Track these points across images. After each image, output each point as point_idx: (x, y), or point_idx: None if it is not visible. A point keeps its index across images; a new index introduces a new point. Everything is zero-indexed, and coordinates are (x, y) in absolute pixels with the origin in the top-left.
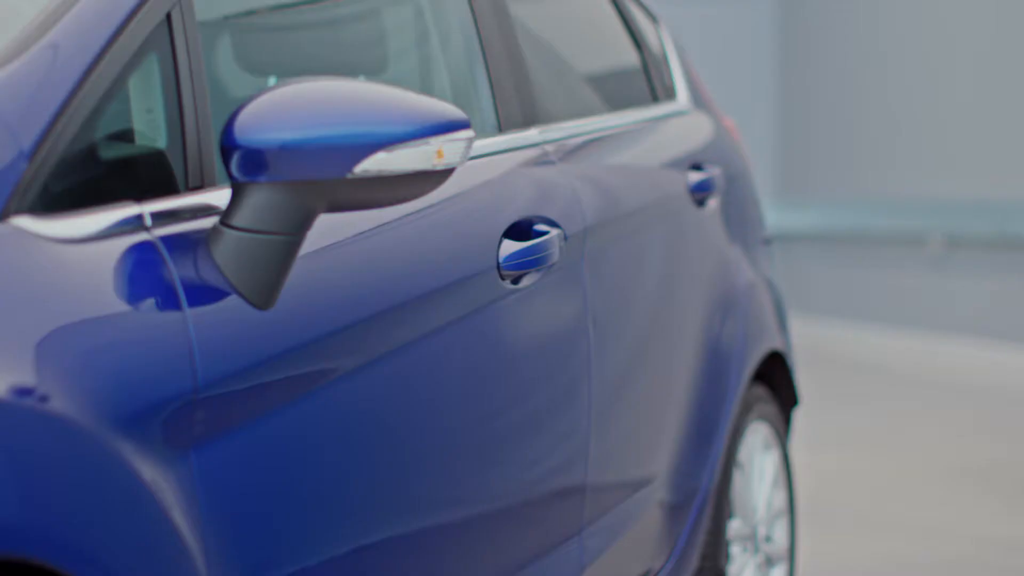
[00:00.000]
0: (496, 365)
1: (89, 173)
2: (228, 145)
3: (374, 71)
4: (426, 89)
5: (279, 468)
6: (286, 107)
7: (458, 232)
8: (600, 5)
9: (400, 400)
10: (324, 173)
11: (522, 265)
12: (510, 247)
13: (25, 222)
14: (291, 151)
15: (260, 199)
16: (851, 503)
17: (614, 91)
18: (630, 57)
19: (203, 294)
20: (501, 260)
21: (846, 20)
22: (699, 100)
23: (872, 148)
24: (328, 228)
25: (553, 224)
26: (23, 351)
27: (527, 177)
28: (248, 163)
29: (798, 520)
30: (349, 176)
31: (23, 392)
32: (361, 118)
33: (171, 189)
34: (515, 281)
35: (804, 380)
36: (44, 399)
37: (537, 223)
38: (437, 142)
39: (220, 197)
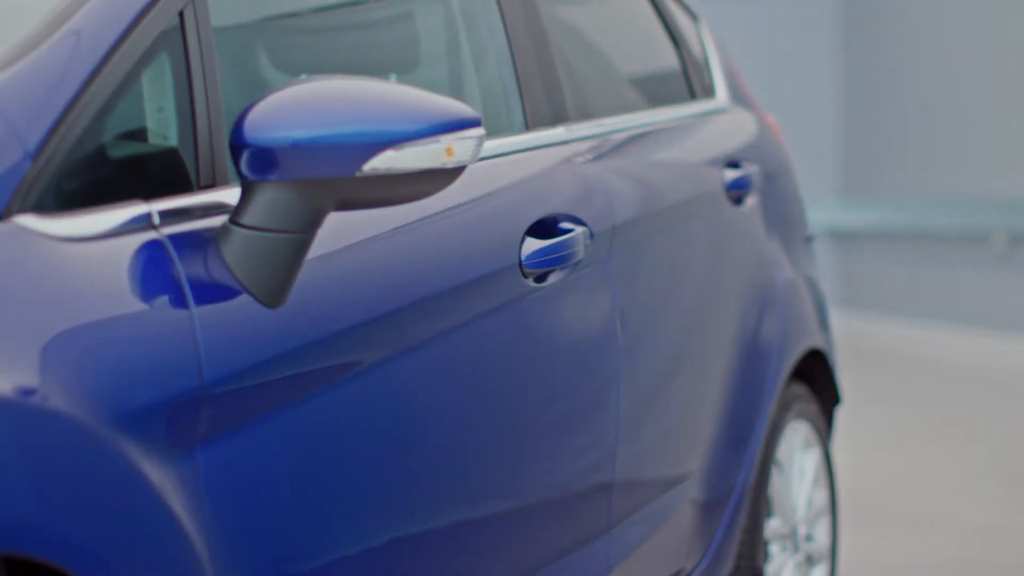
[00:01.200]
0: (518, 362)
1: (98, 172)
2: (237, 143)
3: (402, 70)
4: (454, 87)
5: (288, 467)
6: (295, 106)
7: (478, 230)
8: (637, 3)
9: (414, 397)
10: (333, 171)
11: (545, 263)
12: (533, 245)
13: (29, 221)
14: (300, 149)
15: (269, 197)
16: (903, 502)
17: (650, 89)
18: (667, 55)
19: (211, 292)
20: (523, 258)
21: (911, 15)
22: (739, 98)
23: (936, 145)
24: (341, 226)
25: (579, 222)
26: (25, 349)
27: (553, 175)
28: (257, 161)
29: (843, 519)
30: (358, 174)
31: (26, 390)
32: (370, 116)
33: (181, 188)
34: (539, 279)
35: (863, 378)
36: (47, 397)
37: (562, 221)
38: (447, 140)
39: (228, 195)
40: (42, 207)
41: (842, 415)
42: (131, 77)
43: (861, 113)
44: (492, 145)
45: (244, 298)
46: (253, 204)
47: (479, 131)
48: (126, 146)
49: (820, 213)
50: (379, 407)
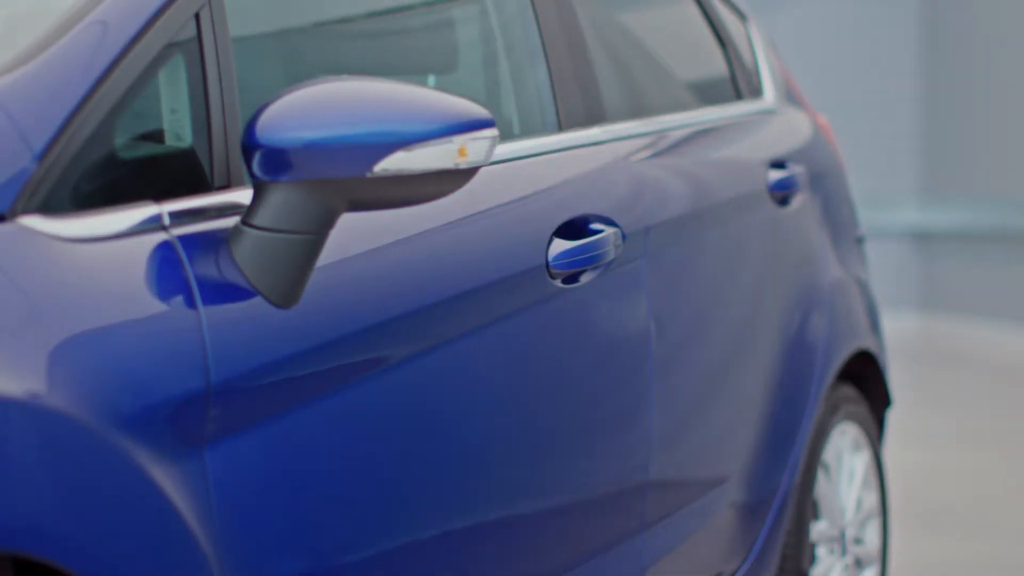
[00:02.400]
0: (546, 362)
1: (109, 173)
2: (249, 144)
3: (436, 71)
4: (489, 88)
5: (299, 468)
6: (307, 107)
7: (503, 231)
8: (683, 3)
9: (432, 397)
10: (344, 172)
11: (573, 264)
12: (560, 246)
13: (34, 221)
14: (311, 150)
15: (281, 198)
16: (968, 505)
17: (694, 89)
18: (713, 55)
19: (220, 293)
20: (551, 259)
21: (993, 15)
22: (789, 98)
23: (1016, 146)
24: (356, 226)
25: (610, 223)
26: (29, 348)
27: (585, 176)
28: (269, 162)
29: (896, 521)
30: (369, 175)
31: (32, 390)
32: (382, 117)
33: (193, 189)
34: (568, 280)
35: (940, 379)
36: (53, 397)
37: (593, 222)
38: (459, 141)
39: (239, 196)
40: (50, 208)
41: (915, 417)
42: (143, 79)
43: (942, 114)
44: (523, 146)
45: (254, 299)
46: (265, 205)
47: (492, 132)
48: (137, 147)
49: (900, 214)
50: (394, 408)
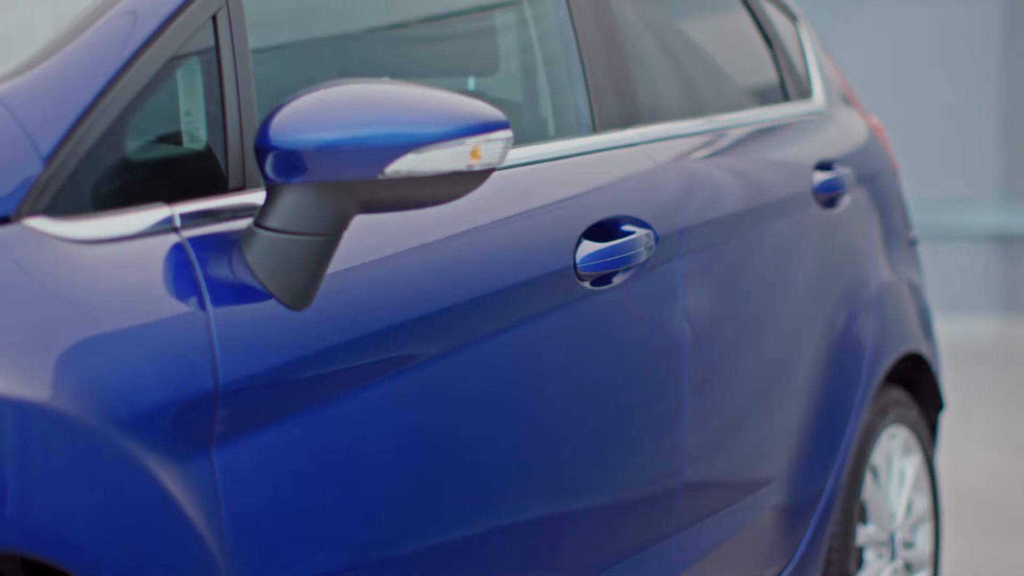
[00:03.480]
0: (573, 363)
1: (121, 175)
2: (262, 146)
3: (473, 73)
4: (527, 90)
5: (310, 471)
6: (320, 109)
7: (530, 233)
8: (729, 4)
9: (450, 399)
10: (356, 174)
11: (602, 266)
12: (589, 248)
13: (40, 223)
14: (323, 152)
15: (293, 200)
16: None
17: (739, 90)
18: (760, 55)
19: (230, 294)
20: (578, 260)
21: None
22: (840, 99)
23: None
24: (369, 228)
25: (643, 225)
26: (34, 349)
27: (617, 177)
28: (281, 164)
29: (948, 525)
30: (380, 177)
31: (38, 392)
32: (394, 119)
33: (205, 191)
34: (597, 282)
35: (1017, 381)
36: (59, 399)
37: (625, 223)
38: (472, 143)
39: (250, 198)
40: (58, 210)
41: (988, 421)
42: (157, 82)
43: (1023, 117)
44: (556, 148)
45: (263, 301)
46: (277, 207)
47: (506, 133)
48: (150, 149)
49: (981, 217)
50: (411, 411)
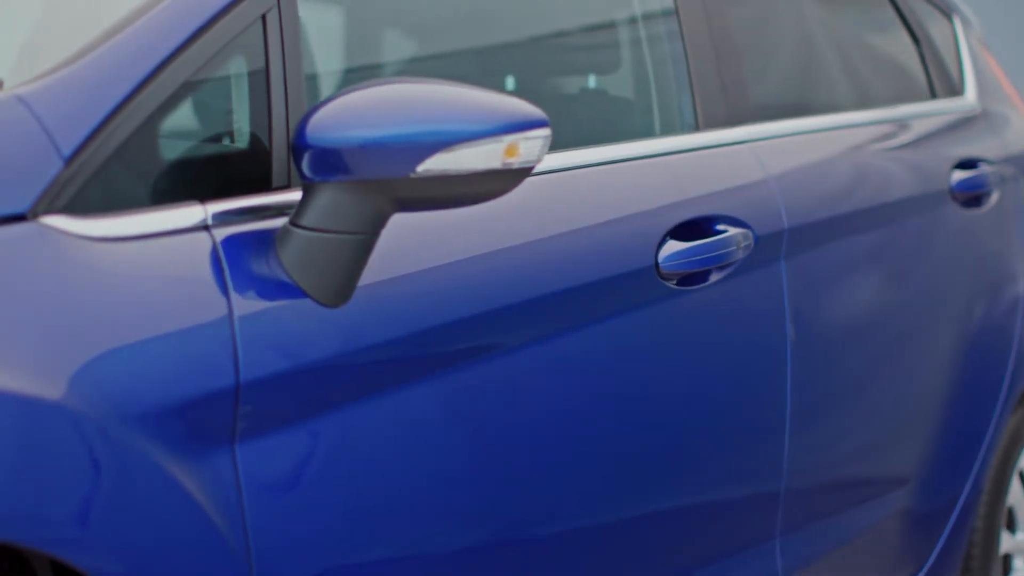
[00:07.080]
0: (656, 363)
1: (157, 173)
2: (299, 145)
3: (583, 70)
4: (639, 88)
5: (337, 471)
6: (356, 108)
7: (608, 232)
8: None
9: (510, 399)
10: (389, 172)
11: (688, 265)
12: (673, 247)
13: (57, 221)
14: (357, 151)
15: (328, 198)
16: None
17: (877, 86)
18: (904, 52)
19: (259, 292)
20: (660, 260)
21: None
22: (995, 96)
23: None
24: (410, 224)
25: (740, 224)
26: (38, 350)
27: (714, 176)
28: (316, 162)
29: None
30: (412, 175)
31: (56, 389)
32: (428, 118)
33: (247, 191)
34: (684, 281)
35: None
36: (78, 399)
37: (720, 223)
38: (508, 140)
39: (281, 198)
40: (83, 209)
41: None
42: (197, 81)
43: None
44: (651, 146)
45: (290, 299)
46: (313, 205)
47: (543, 131)
48: (187, 148)
49: None
50: (452, 411)
